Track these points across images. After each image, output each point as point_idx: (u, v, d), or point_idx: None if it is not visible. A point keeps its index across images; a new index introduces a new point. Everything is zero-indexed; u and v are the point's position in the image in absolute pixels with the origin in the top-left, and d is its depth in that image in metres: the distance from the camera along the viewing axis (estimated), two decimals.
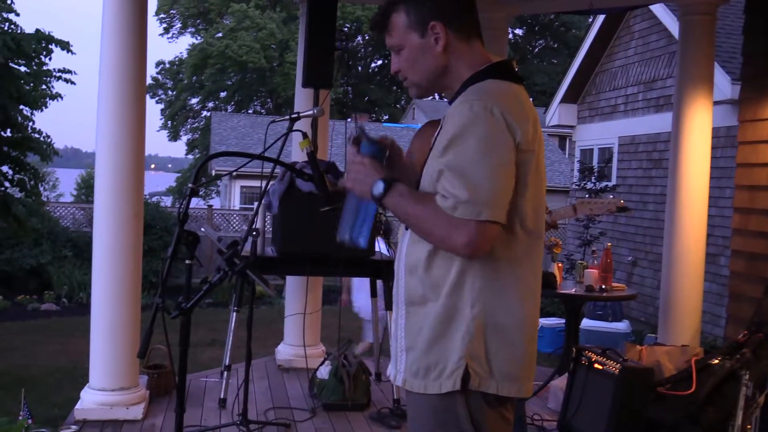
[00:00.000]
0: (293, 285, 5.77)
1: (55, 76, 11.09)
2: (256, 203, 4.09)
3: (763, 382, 3.78)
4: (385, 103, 37.44)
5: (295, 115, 3.80)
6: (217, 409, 4.68)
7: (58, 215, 15.83)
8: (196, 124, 37.48)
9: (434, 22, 2.03)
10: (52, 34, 10.73)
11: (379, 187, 1.98)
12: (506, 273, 1.95)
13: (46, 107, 11.14)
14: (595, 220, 10.78)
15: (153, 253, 12.46)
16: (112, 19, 4.34)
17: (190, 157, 38.48)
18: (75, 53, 11.18)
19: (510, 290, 1.95)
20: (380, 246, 4.85)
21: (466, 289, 1.93)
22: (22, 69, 10.76)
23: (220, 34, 34.28)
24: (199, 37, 36.34)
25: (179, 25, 38.12)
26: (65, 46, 10.79)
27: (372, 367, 5.26)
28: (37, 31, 10.66)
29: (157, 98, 37.60)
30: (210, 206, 20.21)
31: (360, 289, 6.50)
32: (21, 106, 10.69)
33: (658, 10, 10.35)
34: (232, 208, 22.80)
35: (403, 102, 37.37)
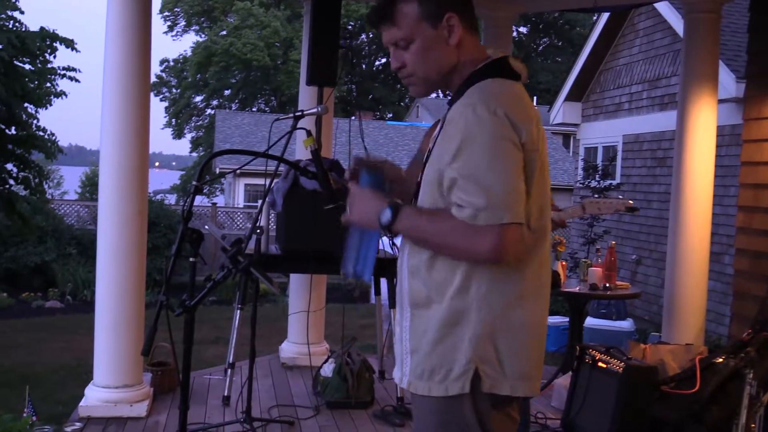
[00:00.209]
0: (297, 283, 5.77)
1: (59, 74, 11.11)
2: (260, 201, 4.10)
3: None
4: (389, 101, 37.44)
5: (299, 113, 3.80)
6: (221, 407, 4.69)
7: (63, 213, 15.87)
8: (200, 122, 37.53)
9: (450, 13, 1.96)
10: (56, 32, 10.74)
11: (386, 215, 1.94)
12: (513, 273, 1.91)
13: (51, 105, 11.15)
14: (599, 219, 10.77)
15: (157, 250, 12.49)
16: (116, 17, 4.35)
17: (194, 154, 38.55)
18: (79, 51, 11.20)
19: (518, 290, 1.92)
20: (383, 244, 4.85)
21: (472, 292, 1.90)
22: (27, 67, 10.78)
23: (224, 32, 34.31)
24: (203, 35, 36.39)
25: (183, 22, 38.17)
26: (70, 44, 10.80)
27: (375, 365, 5.26)
28: (42, 29, 10.67)
29: (161, 96, 37.67)
30: (214, 204, 20.25)
31: None
32: (26, 104, 10.71)
33: (663, 8, 10.33)
34: (236, 205, 22.85)
35: (407, 100, 37.38)
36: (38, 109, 10.98)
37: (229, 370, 4.73)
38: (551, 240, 2.16)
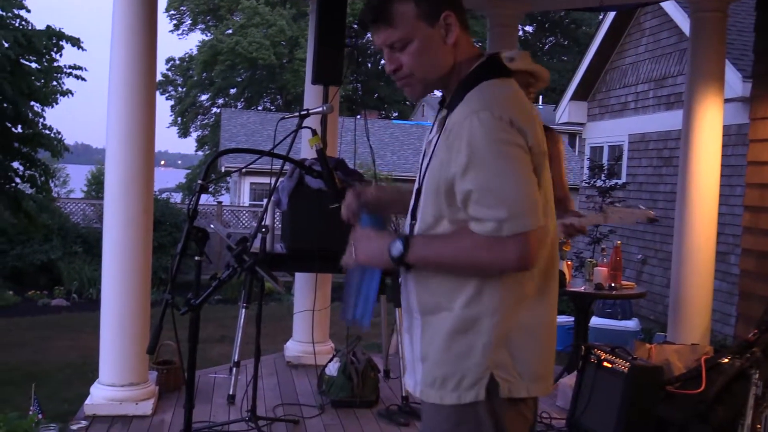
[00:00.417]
0: (302, 282, 5.78)
1: (65, 73, 11.15)
2: (265, 200, 4.10)
3: None
4: (395, 100, 37.42)
5: (305, 112, 3.80)
6: (226, 405, 4.69)
7: (69, 211, 15.92)
8: (206, 121, 37.57)
9: (448, 12, 1.91)
10: (62, 30, 10.78)
11: (397, 247, 1.90)
12: (523, 275, 1.88)
13: (57, 103, 11.21)
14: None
15: (162, 249, 12.51)
16: (122, 15, 4.35)
17: (199, 153, 38.61)
18: (86, 50, 11.23)
19: (528, 291, 1.90)
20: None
21: (485, 300, 1.87)
22: (33, 65, 10.83)
23: (230, 31, 34.34)
24: (209, 34, 36.42)
25: (189, 21, 38.19)
26: (76, 42, 10.84)
27: (380, 364, 5.26)
28: (48, 27, 10.72)
29: (167, 95, 37.72)
30: (219, 203, 20.30)
31: None
32: (32, 103, 10.76)
33: (669, 7, 10.31)
34: (241, 204, 22.87)
35: None
36: (44, 107, 11.04)
37: (234, 369, 4.73)
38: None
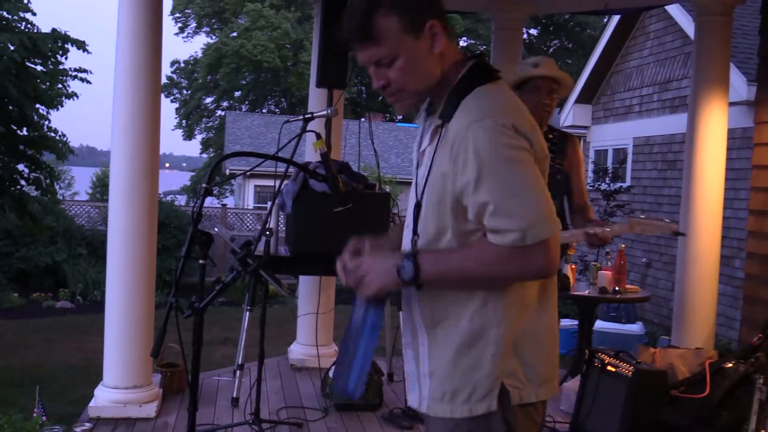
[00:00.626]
0: (306, 285, 5.78)
1: (71, 75, 11.18)
2: (269, 203, 4.10)
3: None
4: None
5: (309, 115, 3.81)
6: (230, 408, 4.69)
7: (73, 213, 15.95)
8: (211, 124, 37.63)
9: (432, 21, 1.84)
10: (68, 33, 10.81)
11: (407, 270, 1.81)
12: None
13: (62, 106, 11.24)
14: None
15: (167, 251, 12.52)
16: (127, 18, 4.37)
17: (204, 156, 38.64)
18: (91, 52, 11.26)
19: (531, 296, 1.89)
20: None
21: (490, 310, 1.84)
22: (39, 68, 10.86)
23: (234, 34, 34.38)
24: (213, 37, 36.48)
25: (194, 24, 38.27)
26: (81, 45, 10.87)
27: (384, 367, 5.26)
28: (54, 30, 10.75)
29: (171, 97, 37.78)
30: (224, 205, 20.29)
31: None
32: (37, 105, 10.78)
33: (674, 10, 10.30)
34: (245, 207, 22.90)
35: None
36: (49, 110, 11.07)
37: (238, 372, 4.73)
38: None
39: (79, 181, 29.97)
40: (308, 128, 3.76)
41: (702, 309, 5.46)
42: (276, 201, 4.40)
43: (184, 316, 2.58)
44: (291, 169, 4.06)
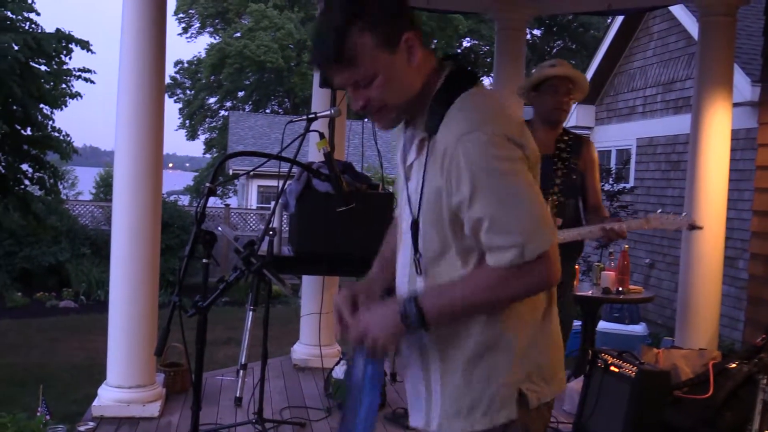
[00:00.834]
0: (309, 284, 5.78)
1: (74, 75, 11.20)
2: (273, 202, 4.11)
3: None
4: None
5: (313, 116, 3.81)
6: (233, 408, 4.69)
7: (77, 213, 15.97)
8: (214, 124, 37.66)
9: (407, 34, 1.77)
10: (72, 33, 10.83)
11: (411, 312, 1.76)
12: None
13: (66, 106, 11.27)
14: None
15: (170, 251, 12.53)
16: (131, 18, 4.37)
17: (207, 156, 38.68)
18: (94, 53, 11.29)
19: (538, 298, 1.87)
20: None
21: (500, 316, 1.80)
22: (43, 68, 10.89)
23: (238, 34, 34.42)
24: (217, 37, 36.51)
25: (198, 24, 38.31)
26: (85, 45, 10.89)
27: (387, 367, 5.26)
28: (58, 30, 10.77)
29: (175, 97, 37.83)
30: (227, 205, 20.34)
31: None
32: (41, 105, 10.81)
33: (678, 11, 10.29)
34: (249, 207, 22.93)
35: None
36: (53, 110, 11.10)
37: (241, 371, 4.72)
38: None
39: (83, 180, 30.06)
40: (311, 128, 3.76)
41: (705, 310, 5.45)
42: (279, 201, 4.41)
43: (187, 315, 2.59)
44: (294, 169, 4.06)
